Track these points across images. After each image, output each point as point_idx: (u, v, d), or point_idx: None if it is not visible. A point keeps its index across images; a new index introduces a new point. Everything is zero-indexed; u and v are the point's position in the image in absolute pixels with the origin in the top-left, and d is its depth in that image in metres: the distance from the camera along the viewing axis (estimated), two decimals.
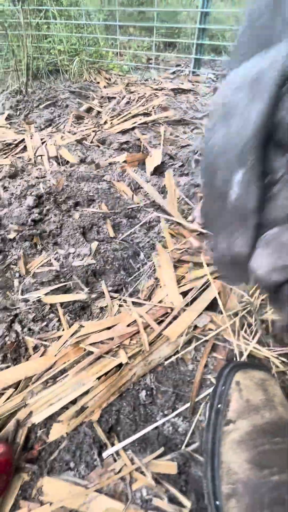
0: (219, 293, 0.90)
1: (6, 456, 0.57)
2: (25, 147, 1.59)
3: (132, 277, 1.00)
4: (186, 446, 0.64)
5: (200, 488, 0.58)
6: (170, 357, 0.79)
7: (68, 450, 0.64)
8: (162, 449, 0.63)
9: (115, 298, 0.93)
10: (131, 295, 0.95)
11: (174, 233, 1.11)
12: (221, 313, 0.86)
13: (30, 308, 0.87)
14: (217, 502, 0.51)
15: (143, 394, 0.73)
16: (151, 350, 0.79)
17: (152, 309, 0.89)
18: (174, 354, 0.80)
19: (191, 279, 0.96)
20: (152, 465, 0.61)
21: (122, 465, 0.62)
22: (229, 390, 0.62)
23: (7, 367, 0.75)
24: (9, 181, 1.32)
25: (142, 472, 0.60)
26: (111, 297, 0.93)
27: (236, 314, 0.85)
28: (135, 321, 0.85)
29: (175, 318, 0.86)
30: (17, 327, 0.83)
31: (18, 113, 1.93)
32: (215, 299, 0.89)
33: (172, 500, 0.57)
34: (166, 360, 0.79)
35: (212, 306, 0.89)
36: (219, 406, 0.62)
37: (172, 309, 0.87)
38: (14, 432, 0.65)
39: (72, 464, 0.61)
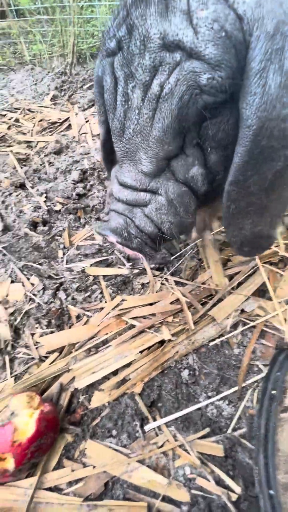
0: (268, 279, 0.84)
1: (53, 414, 0.57)
2: (69, 125, 1.59)
3: (174, 257, 0.96)
4: (233, 430, 0.60)
5: (249, 475, 0.54)
6: (214, 339, 0.75)
7: (110, 418, 0.63)
8: (207, 430, 0.60)
9: (157, 275, 0.90)
10: (172, 274, 0.91)
11: None
12: (271, 299, 0.80)
13: (74, 278, 0.87)
14: (271, 492, 0.47)
15: (185, 373, 0.70)
16: (195, 330, 0.76)
17: (195, 289, 0.85)
18: (219, 337, 0.76)
19: (237, 262, 0.90)
20: (196, 445, 0.58)
21: (164, 440, 0.60)
22: (286, 377, 0.58)
23: (51, 332, 0.76)
24: (55, 157, 1.33)
25: (185, 450, 0.58)
26: (153, 274, 0.90)
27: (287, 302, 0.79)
28: (177, 299, 0.82)
29: (219, 300, 0.81)
30: (61, 295, 0.83)
31: (62, 93, 1.95)
32: (263, 284, 0.83)
33: (218, 483, 0.54)
34: (210, 341, 0.75)
35: (260, 292, 0.83)
36: (273, 392, 0.57)
37: (216, 291, 0.83)
38: (57, 395, 0.66)
39: (114, 432, 0.61)
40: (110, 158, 0.58)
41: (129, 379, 0.68)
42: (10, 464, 0.49)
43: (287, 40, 0.36)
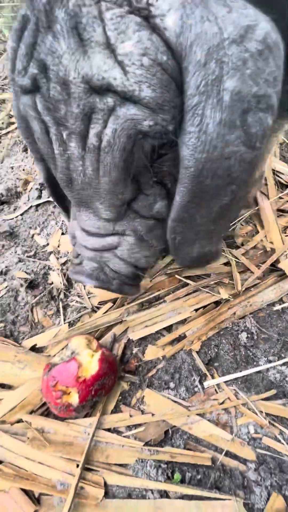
0: None
1: (112, 358, 0.55)
2: None
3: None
4: None
5: None
6: (274, 303, 0.70)
7: (166, 371, 0.60)
8: (273, 391, 0.56)
9: None
10: (226, 239, 0.86)
11: (284, 181, 0.97)
12: None
13: None
14: None
15: (243, 335, 0.66)
16: (252, 293, 0.71)
17: (250, 252, 0.80)
18: (279, 302, 0.70)
19: None
20: (261, 405, 0.55)
21: (225, 398, 0.56)
22: None
23: None
24: None
25: (249, 409, 0.54)
26: None
27: None
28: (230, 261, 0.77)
29: (274, 264, 0.75)
30: None
31: None
32: None
33: None
34: (269, 306, 0.70)
35: None
36: None
37: (272, 253, 0.77)
38: (111, 344, 0.64)
39: (172, 385, 0.58)
40: (59, 193, 0.48)
41: (185, 336, 0.65)
42: (74, 399, 0.48)
43: (224, 68, 0.29)
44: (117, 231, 0.43)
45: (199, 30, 0.28)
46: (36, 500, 0.44)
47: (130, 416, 0.53)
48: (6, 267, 0.76)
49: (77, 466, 0.47)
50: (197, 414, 0.54)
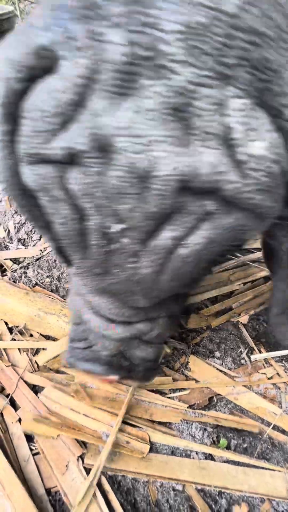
0: None
1: None
2: None
3: None
4: None
5: None
6: None
7: (211, 341, 0.58)
8: None
9: None
10: None
11: None
12: None
13: None
14: None
15: None
16: None
17: None
18: None
19: None
20: None
21: (273, 373, 0.54)
22: None
23: None
24: None
25: None
26: None
27: None
28: None
29: None
30: None
31: None
32: None
33: None
34: None
35: None
36: None
37: None
38: None
39: (217, 354, 0.56)
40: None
41: (231, 308, 0.63)
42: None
43: None
44: (151, 317, 0.36)
45: None
46: (83, 445, 0.45)
47: (174, 380, 0.52)
48: None
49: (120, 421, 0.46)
50: (244, 385, 0.52)
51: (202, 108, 0.21)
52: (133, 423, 0.47)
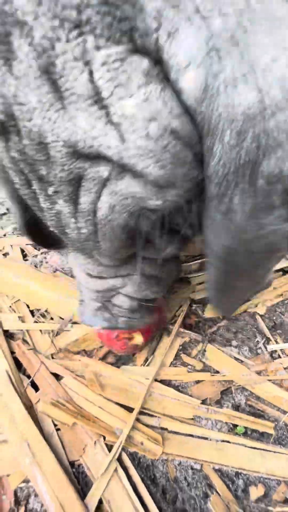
0: None
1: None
2: None
3: None
4: None
5: None
6: None
7: (228, 330, 0.59)
8: None
9: None
10: None
11: None
12: None
13: None
14: None
15: None
16: None
17: None
18: None
19: None
20: None
21: None
22: None
23: None
24: None
25: None
26: None
27: None
28: None
29: None
30: None
31: None
32: None
33: None
34: None
35: None
36: None
37: None
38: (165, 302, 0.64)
39: (234, 343, 0.57)
40: (41, 234, 0.38)
41: (248, 299, 0.63)
42: (139, 339, 0.50)
43: (261, 147, 0.20)
44: (121, 274, 0.39)
45: (230, 98, 0.19)
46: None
47: (188, 371, 0.53)
48: None
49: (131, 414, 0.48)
50: (261, 375, 0.53)
51: (64, 67, 0.19)
52: (148, 412, 0.48)
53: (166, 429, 0.47)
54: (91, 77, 0.19)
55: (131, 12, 0.18)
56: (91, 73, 0.19)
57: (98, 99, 0.20)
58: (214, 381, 0.52)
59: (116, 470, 0.42)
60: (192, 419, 0.48)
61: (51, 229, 0.31)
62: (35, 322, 0.59)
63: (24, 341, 0.57)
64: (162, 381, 0.52)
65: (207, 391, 0.52)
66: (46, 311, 0.61)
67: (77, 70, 0.19)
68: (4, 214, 0.80)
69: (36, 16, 0.18)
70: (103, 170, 0.22)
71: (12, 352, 0.55)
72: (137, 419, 0.47)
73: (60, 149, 0.22)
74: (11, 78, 0.20)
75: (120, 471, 0.42)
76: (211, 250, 0.28)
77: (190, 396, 0.51)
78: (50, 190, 0.25)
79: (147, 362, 0.55)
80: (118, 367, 0.54)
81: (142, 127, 0.20)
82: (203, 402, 0.50)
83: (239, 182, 0.22)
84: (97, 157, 0.22)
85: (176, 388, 0.52)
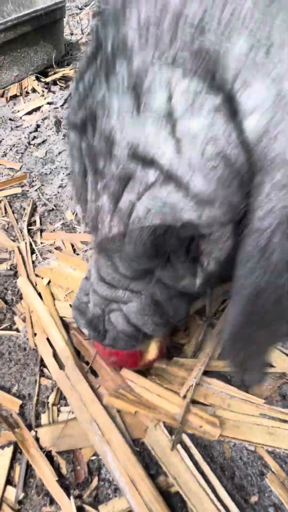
0: None
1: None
2: None
3: None
4: None
5: None
6: None
7: None
8: None
9: None
10: None
11: None
12: None
13: None
14: None
15: None
16: None
17: None
18: None
19: None
20: None
21: None
22: None
23: None
24: None
25: None
26: None
27: None
28: None
29: None
30: None
31: None
32: None
33: None
34: None
35: None
36: None
37: None
38: None
39: None
40: None
41: None
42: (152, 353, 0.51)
43: None
44: (131, 289, 0.39)
45: (285, 144, 0.22)
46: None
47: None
48: None
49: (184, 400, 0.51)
50: None
51: (150, 87, 0.23)
52: (206, 403, 0.51)
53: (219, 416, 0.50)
54: (169, 99, 0.23)
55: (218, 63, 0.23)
56: (170, 96, 0.23)
57: (169, 115, 0.23)
58: (273, 375, 0.55)
59: (177, 449, 0.46)
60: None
61: (86, 221, 0.34)
62: None
63: (80, 330, 0.60)
64: (210, 373, 0.56)
65: (265, 385, 0.55)
66: None
67: (159, 93, 0.23)
68: (52, 210, 0.84)
69: (143, 48, 0.24)
70: (152, 175, 0.25)
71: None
72: (194, 409, 0.50)
73: (123, 148, 0.25)
74: (105, 85, 0.25)
75: (181, 449, 0.46)
76: (239, 289, 0.28)
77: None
78: (100, 184, 0.29)
79: (196, 355, 0.58)
80: (169, 358, 0.58)
81: (200, 145, 0.23)
82: (265, 398, 0.52)
83: (283, 221, 0.23)
84: (150, 162, 0.25)
85: (226, 378, 0.55)
